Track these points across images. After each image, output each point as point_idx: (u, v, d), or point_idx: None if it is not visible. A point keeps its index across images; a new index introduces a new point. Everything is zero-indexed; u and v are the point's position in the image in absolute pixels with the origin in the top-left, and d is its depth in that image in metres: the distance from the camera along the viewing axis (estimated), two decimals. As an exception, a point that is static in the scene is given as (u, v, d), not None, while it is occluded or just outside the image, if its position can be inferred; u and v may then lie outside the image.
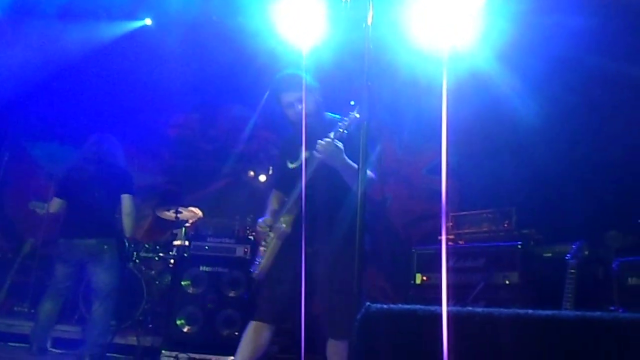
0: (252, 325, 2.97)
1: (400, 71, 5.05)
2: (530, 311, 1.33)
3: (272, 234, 3.01)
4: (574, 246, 3.53)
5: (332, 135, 2.75)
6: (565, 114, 4.52)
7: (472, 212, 4.32)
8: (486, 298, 3.78)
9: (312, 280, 2.87)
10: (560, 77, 4.53)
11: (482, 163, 5.02)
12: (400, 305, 1.49)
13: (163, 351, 4.48)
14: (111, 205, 4.40)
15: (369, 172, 2.86)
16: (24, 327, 4.82)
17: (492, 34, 4.50)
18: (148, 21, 6.29)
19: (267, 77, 6.05)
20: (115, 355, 4.70)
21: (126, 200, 4.36)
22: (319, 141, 2.75)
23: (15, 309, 5.93)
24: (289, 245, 2.95)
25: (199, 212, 5.93)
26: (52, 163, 6.59)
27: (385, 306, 1.47)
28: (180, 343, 4.58)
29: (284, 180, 3.14)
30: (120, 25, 6.25)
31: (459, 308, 1.41)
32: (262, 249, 3.06)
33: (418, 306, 1.43)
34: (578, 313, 1.34)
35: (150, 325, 5.31)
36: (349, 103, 2.83)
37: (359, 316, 1.46)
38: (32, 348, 4.28)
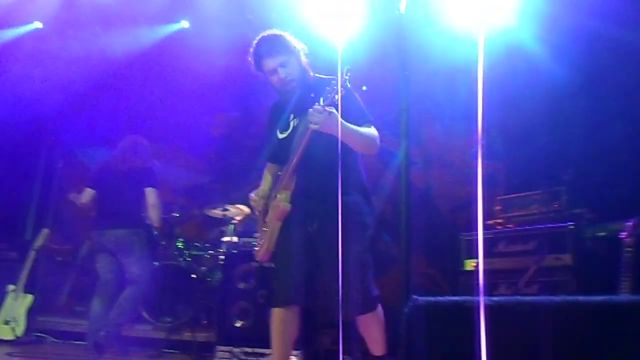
0: (275, 314, 2.87)
1: (435, 55, 4.98)
2: (580, 298, 1.30)
3: (271, 213, 2.86)
4: (628, 223, 3.41)
5: (321, 101, 2.53)
6: (610, 90, 4.36)
7: (520, 194, 4.22)
8: (539, 282, 3.69)
9: (318, 258, 2.78)
10: (602, 55, 4.38)
11: (527, 144, 4.89)
12: (447, 297, 1.47)
13: (218, 346, 4.58)
14: (136, 198, 4.63)
15: (372, 130, 2.76)
16: (85, 326, 5.03)
17: (528, 11, 4.38)
18: (185, 23, 6.39)
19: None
20: (172, 351, 4.85)
21: (150, 193, 4.62)
22: (310, 110, 2.53)
23: (77, 308, 6.18)
24: (289, 224, 2.81)
25: (246, 209, 6.01)
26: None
27: (431, 299, 1.45)
28: (234, 338, 4.67)
29: (277, 152, 3.00)
30: (158, 29, 6.38)
31: (505, 298, 1.38)
32: (262, 229, 2.91)
33: (464, 297, 1.40)
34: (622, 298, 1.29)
35: (205, 322, 5.43)
36: (362, 89, 2.70)
37: (405, 309, 1.45)
38: (89, 345, 4.46)
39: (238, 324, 4.75)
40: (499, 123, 5.02)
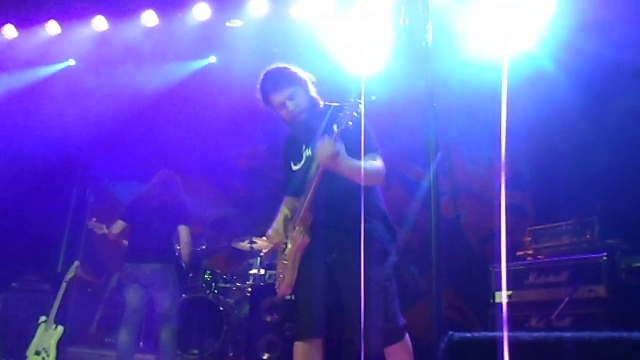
0: (298, 347, 2.82)
1: (460, 84, 4.99)
2: (612, 334, 1.25)
3: (290, 246, 2.83)
4: (665, 254, 3.32)
5: (335, 128, 2.50)
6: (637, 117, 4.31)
7: (551, 225, 4.14)
8: (572, 314, 3.59)
9: (339, 289, 2.73)
10: (629, 81, 4.35)
11: (556, 173, 4.83)
12: (483, 333, 1.43)
13: (245, 379, 4.55)
14: (169, 234, 4.73)
15: (375, 161, 2.70)
16: (114, 357, 5.05)
17: (550, 40, 4.38)
18: (213, 59, 6.53)
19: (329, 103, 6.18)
20: (200, 384, 4.82)
21: (183, 230, 4.72)
22: (318, 147, 2.54)
23: (106, 340, 6.22)
24: (309, 256, 2.79)
25: (273, 241, 6.03)
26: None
27: (468, 335, 1.41)
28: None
29: (292, 184, 2.98)
30: (187, 65, 6.54)
31: (541, 334, 1.34)
32: (283, 262, 2.88)
33: (501, 333, 1.36)
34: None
35: (232, 354, 5.41)
36: (371, 98, 2.67)
37: (442, 345, 1.41)
38: None
39: (265, 357, 4.72)
40: (527, 152, 4.98)
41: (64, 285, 5.01)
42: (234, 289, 5.88)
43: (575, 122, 4.70)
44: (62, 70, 6.61)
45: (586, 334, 1.27)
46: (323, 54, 5.24)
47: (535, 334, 1.34)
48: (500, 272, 4.07)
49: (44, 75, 6.57)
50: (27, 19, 5.99)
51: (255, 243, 5.75)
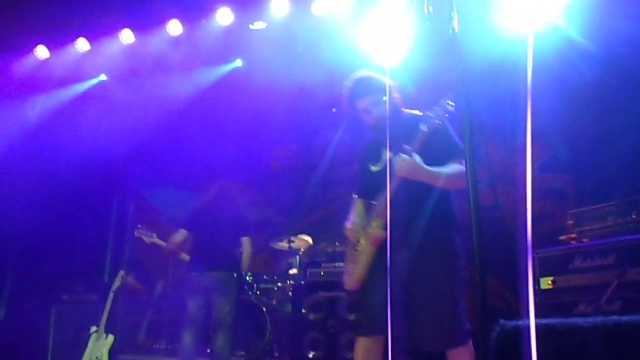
0: (360, 343, 2.85)
1: (489, 68, 4.90)
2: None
3: (363, 240, 2.91)
4: None
5: (423, 127, 2.65)
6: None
7: (593, 207, 4.02)
8: (621, 297, 3.48)
9: (407, 288, 2.76)
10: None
11: (595, 154, 4.69)
12: (536, 320, 1.40)
13: (292, 379, 4.57)
14: (232, 244, 4.90)
15: (459, 167, 2.76)
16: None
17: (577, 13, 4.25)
18: (239, 62, 6.57)
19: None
20: (247, 384, 4.88)
21: (246, 242, 4.92)
22: (399, 157, 2.68)
23: (155, 346, 6.34)
24: (380, 253, 2.82)
25: (310, 240, 6.05)
26: (170, 208, 7.03)
27: (520, 322, 1.39)
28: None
29: (367, 185, 3.06)
30: (214, 70, 6.59)
31: (597, 318, 1.29)
32: (355, 256, 2.94)
33: (554, 320, 1.33)
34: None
35: (277, 354, 5.45)
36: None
37: (494, 334, 1.39)
38: None
39: (310, 355, 4.74)
40: (564, 133, 4.86)
41: (111, 295, 5.14)
42: (275, 288, 5.92)
43: (611, 101, 4.56)
44: (94, 86, 6.75)
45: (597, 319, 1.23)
46: (348, 48, 5.21)
47: (590, 319, 1.30)
48: (543, 258, 3.99)
49: (78, 92, 6.72)
50: (57, 38, 6.14)
51: (293, 242, 5.78)
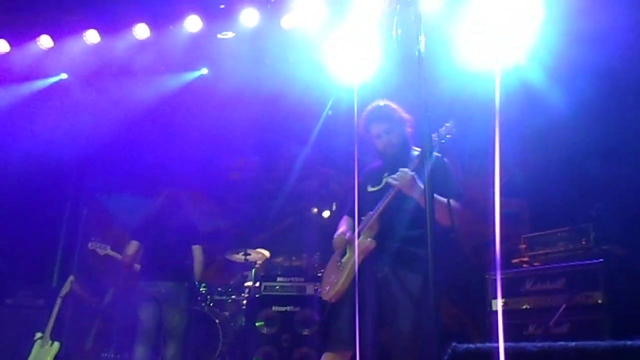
0: (327, 358, 2.87)
1: (452, 92, 5.00)
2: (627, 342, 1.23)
3: (349, 253, 2.95)
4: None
5: (433, 148, 2.73)
6: (630, 122, 4.33)
7: (546, 232, 4.14)
8: (570, 321, 3.58)
9: (382, 305, 2.81)
10: (619, 88, 4.38)
11: (550, 181, 4.83)
12: (487, 344, 1.42)
13: (242, 393, 4.51)
14: (183, 254, 4.82)
15: (453, 202, 2.83)
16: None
17: (541, 48, 4.41)
18: (204, 71, 6.52)
19: (320, 114, 6.18)
20: (196, 398, 4.78)
21: (197, 250, 4.83)
22: (399, 173, 2.80)
23: (102, 355, 6.15)
24: (362, 269, 2.88)
25: (267, 253, 6.01)
26: (125, 214, 6.88)
27: (472, 346, 1.40)
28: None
29: (361, 203, 3.10)
30: (179, 78, 6.52)
31: (546, 344, 1.32)
32: (338, 267, 2.97)
33: (506, 344, 1.35)
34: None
35: (229, 367, 5.37)
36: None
37: (446, 357, 1.40)
38: None
39: (262, 370, 4.69)
40: (520, 160, 4.99)
41: (58, 301, 4.98)
42: (229, 301, 5.84)
43: (568, 130, 4.72)
44: (54, 84, 6.58)
45: (590, 343, 1.26)
46: (315, 64, 5.24)
47: (539, 344, 1.32)
48: (495, 280, 4.06)
49: (37, 89, 6.54)
50: (20, 33, 5.96)
51: (250, 255, 5.73)
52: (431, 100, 2.28)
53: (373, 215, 2.93)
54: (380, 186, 3.05)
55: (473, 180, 5.52)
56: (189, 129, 6.72)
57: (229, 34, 5.76)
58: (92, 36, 5.89)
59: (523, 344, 1.32)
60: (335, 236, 3.10)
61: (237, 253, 5.85)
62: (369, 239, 2.89)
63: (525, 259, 4.16)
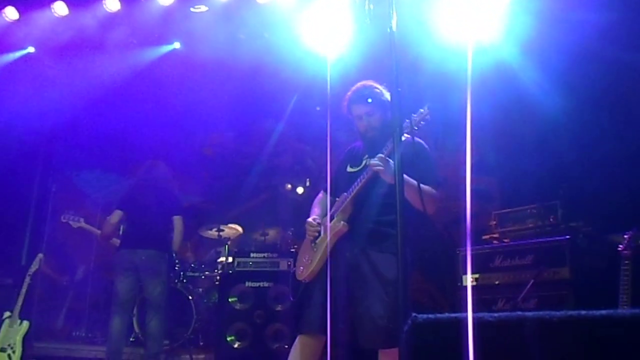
0: (300, 340, 2.87)
1: (426, 70, 5.01)
2: (582, 312, 1.27)
3: (323, 234, 2.95)
4: (625, 236, 3.41)
5: (405, 134, 2.67)
6: (601, 102, 4.40)
7: (516, 209, 4.21)
8: (537, 296, 3.67)
9: (352, 286, 2.82)
10: (591, 68, 4.43)
11: (521, 158, 4.90)
12: (447, 315, 1.45)
13: (216, 368, 4.53)
14: (164, 224, 4.79)
15: (429, 189, 2.84)
16: (83, 350, 4.97)
17: (516, 27, 4.43)
18: (177, 45, 6.41)
19: (295, 89, 6.14)
20: (170, 374, 4.79)
21: (177, 221, 4.80)
22: (377, 156, 2.78)
23: (74, 334, 6.12)
24: (335, 250, 2.88)
25: (240, 229, 6.01)
26: (96, 190, 6.79)
27: (431, 316, 1.43)
28: (231, 359, 4.62)
29: (339, 183, 3.12)
30: (151, 51, 6.39)
31: (503, 314, 1.36)
32: (312, 249, 2.98)
33: (464, 314, 1.38)
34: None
35: (202, 343, 5.39)
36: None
37: (406, 327, 1.42)
38: None
39: (236, 345, 4.71)
40: (491, 138, 5.04)
41: (27, 279, 4.90)
42: (202, 277, 5.84)
43: (538, 108, 4.77)
44: (21, 58, 6.40)
45: (547, 313, 1.30)
46: (289, 38, 5.19)
47: (497, 314, 1.35)
48: (466, 255, 4.13)
49: (2, 64, 6.35)
50: (-18, 3, 5.77)
51: (223, 230, 5.72)
52: (403, 77, 2.27)
53: (347, 197, 2.93)
54: (360, 167, 3.04)
55: (445, 160, 5.58)
56: (161, 104, 6.62)
57: (202, 8, 5.66)
58: (60, 8, 5.73)
59: (482, 314, 1.35)
60: (307, 222, 3.08)
61: (211, 229, 5.83)
62: (342, 222, 2.89)
63: (496, 235, 4.23)
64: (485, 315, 1.36)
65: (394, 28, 2.25)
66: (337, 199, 3.03)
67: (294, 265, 4.76)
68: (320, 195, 3.28)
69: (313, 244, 3.00)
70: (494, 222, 4.26)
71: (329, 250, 2.87)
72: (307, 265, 2.97)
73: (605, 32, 4.17)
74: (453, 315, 1.45)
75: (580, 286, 3.62)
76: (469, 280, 3.91)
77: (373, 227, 2.86)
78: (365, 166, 2.95)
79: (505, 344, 1.33)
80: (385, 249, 2.81)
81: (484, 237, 4.30)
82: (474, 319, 1.29)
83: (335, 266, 2.85)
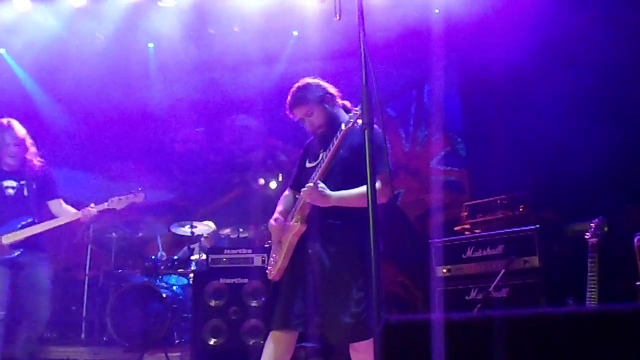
0: (272, 337, 2.87)
1: (396, 59, 5.03)
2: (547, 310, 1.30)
3: (288, 233, 2.95)
4: (592, 224, 3.48)
5: (343, 127, 2.74)
6: (569, 89, 4.47)
7: (486, 200, 4.27)
8: (509, 285, 3.74)
9: (316, 281, 2.82)
10: (557, 51, 4.51)
11: (491, 150, 4.97)
12: (419, 315, 1.46)
13: (192, 365, 4.51)
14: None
15: (378, 184, 2.85)
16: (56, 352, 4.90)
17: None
18: (151, 45, 6.31)
19: (267, 84, 6.12)
20: (145, 373, 4.74)
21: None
22: (308, 187, 2.80)
23: (45, 335, 5.99)
24: (298, 247, 2.91)
25: (214, 226, 5.97)
26: (65, 188, 6.66)
27: (404, 318, 1.44)
28: (208, 356, 4.60)
29: (301, 179, 3.11)
30: (120, 46, 6.27)
31: (473, 313, 1.38)
32: (278, 248, 2.99)
33: (437, 315, 1.40)
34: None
35: (177, 342, 5.34)
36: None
37: (379, 329, 1.43)
38: None
39: (211, 342, 4.69)
40: (462, 130, 5.11)
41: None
42: (176, 275, 5.79)
43: (508, 99, 4.84)
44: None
45: (514, 312, 1.32)
46: (258, 34, 5.17)
47: (467, 314, 1.37)
48: (439, 247, 4.18)
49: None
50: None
51: (196, 227, 5.68)
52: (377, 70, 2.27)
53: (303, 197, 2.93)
54: (317, 163, 3.02)
55: (416, 152, 5.64)
56: (133, 101, 6.52)
57: (171, 3, 5.58)
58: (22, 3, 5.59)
59: (452, 315, 1.37)
60: (269, 224, 3.09)
61: (184, 226, 5.77)
62: (297, 222, 2.91)
63: (467, 226, 4.29)
64: (455, 315, 1.38)
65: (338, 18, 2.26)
66: (297, 197, 3.04)
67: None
68: (287, 192, 3.28)
69: (280, 243, 3.01)
70: (466, 214, 4.31)
71: (291, 250, 2.90)
72: (274, 265, 2.99)
73: (574, 16, 4.24)
74: (424, 316, 1.46)
75: (549, 274, 3.69)
76: (439, 274, 3.95)
77: (326, 223, 2.87)
78: (321, 160, 2.96)
79: (475, 344, 1.34)
80: (339, 242, 2.83)
81: (456, 228, 4.35)
82: (444, 319, 1.31)
83: (300, 265, 2.88)
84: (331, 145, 2.83)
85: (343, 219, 2.83)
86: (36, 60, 6.02)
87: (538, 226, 3.79)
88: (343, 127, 2.78)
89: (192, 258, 5.70)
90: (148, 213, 4.78)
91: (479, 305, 3.66)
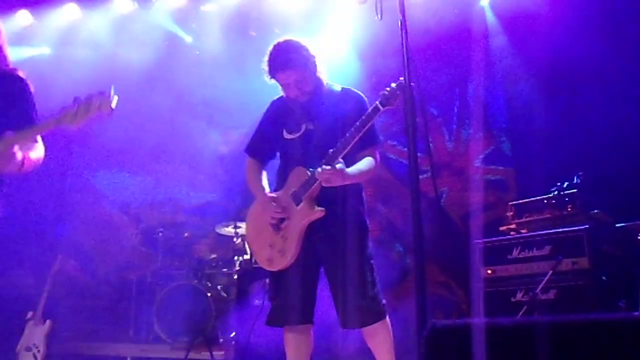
0: (289, 334, 2.81)
1: (438, 58, 4.97)
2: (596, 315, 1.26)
3: (292, 219, 2.74)
4: (644, 224, 3.36)
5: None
6: (621, 87, 4.33)
7: (532, 199, 4.16)
8: (556, 287, 3.64)
9: (322, 268, 2.79)
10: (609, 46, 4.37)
11: (537, 148, 4.85)
12: (465, 320, 1.44)
13: (236, 364, 4.56)
14: None
15: (369, 161, 2.76)
16: (106, 348, 5.02)
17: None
18: (188, 38, 6.42)
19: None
20: (190, 371, 4.83)
21: None
22: (320, 169, 2.59)
23: (97, 331, 6.16)
24: (307, 232, 2.75)
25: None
26: (112, 190, 6.84)
27: (450, 322, 1.42)
28: (252, 354, 4.64)
29: (273, 148, 2.96)
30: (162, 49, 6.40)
31: (520, 318, 1.35)
32: (279, 238, 2.77)
33: (481, 319, 1.37)
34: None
35: (221, 340, 5.41)
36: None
37: (425, 333, 1.41)
38: None
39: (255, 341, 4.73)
40: (506, 128, 5.00)
41: (49, 279, 4.96)
42: (220, 274, 5.87)
43: (554, 95, 4.72)
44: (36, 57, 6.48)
45: (564, 317, 1.28)
46: (300, 34, 5.18)
47: (514, 319, 1.34)
48: (483, 247, 4.10)
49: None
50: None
51: (240, 227, 5.74)
52: (418, 68, 2.25)
53: (312, 182, 2.70)
54: (300, 134, 2.82)
55: (460, 150, 5.55)
56: (176, 102, 6.63)
57: (213, 7, 5.68)
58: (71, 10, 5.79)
59: (499, 319, 1.34)
60: (267, 202, 2.83)
61: (227, 226, 5.85)
62: (314, 208, 2.68)
63: (513, 226, 4.19)
64: (502, 320, 1.35)
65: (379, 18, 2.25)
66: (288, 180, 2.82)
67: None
68: (252, 162, 3.04)
69: (276, 229, 2.78)
70: (511, 213, 4.22)
71: (301, 238, 2.72)
72: (280, 256, 2.76)
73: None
74: (470, 320, 1.43)
75: (599, 276, 3.58)
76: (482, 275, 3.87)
77: (336, 209, 2.71)
78: (306, 132, 2.78)
79: (521, 350, 1.31)
80: (353, 223, 2.72)
81: (501, 228, 4.26)
82: (489, 323, 1.28)
83: (311, 252, 2.75)
84: (353, 129, 2.62)
85: (341, 201, 2.70)
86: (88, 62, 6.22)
87: (587, 226, 3.67)
88: (380, 107, 2.59)
89: (236, 258, 5.77)
90: (193, 214, 4.87)
91: (524, 307, 3.57)
